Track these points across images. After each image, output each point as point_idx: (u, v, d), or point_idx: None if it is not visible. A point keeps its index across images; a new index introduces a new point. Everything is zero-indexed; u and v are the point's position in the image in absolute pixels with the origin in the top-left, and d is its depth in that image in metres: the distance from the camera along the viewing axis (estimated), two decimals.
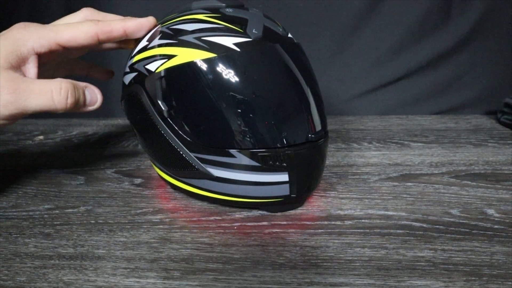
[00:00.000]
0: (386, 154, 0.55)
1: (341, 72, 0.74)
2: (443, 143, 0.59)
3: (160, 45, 0.38)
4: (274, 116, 0.36)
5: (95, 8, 0.43)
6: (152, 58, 0.38)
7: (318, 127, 0.38)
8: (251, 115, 0.36)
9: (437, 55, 0.73)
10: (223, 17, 0.37)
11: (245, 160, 0.36)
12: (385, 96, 0.76)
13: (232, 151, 0.36)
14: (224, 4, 0.39)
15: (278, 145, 0.36)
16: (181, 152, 0.39)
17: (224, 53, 0.35)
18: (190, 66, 0.36)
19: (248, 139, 0.36)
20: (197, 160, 0.38)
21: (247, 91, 0.36)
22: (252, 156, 0.36)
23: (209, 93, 0.36)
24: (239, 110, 0.35)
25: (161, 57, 0.37)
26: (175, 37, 0.37)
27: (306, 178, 0.38)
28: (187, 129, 0.37)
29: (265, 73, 0.37)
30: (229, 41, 0.36)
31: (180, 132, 0.38)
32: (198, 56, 0.36)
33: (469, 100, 0.75)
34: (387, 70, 0.74)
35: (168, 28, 0.39)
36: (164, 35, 0.38)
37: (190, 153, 0.38)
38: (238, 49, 0.35)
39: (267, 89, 0.36)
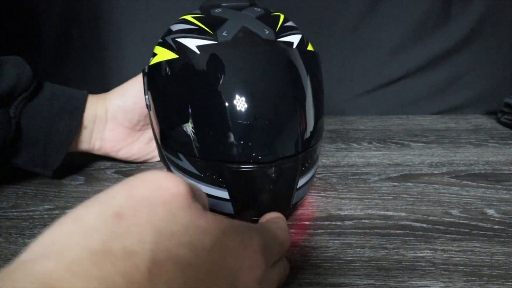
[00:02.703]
0: (386, 154, 0.55)
1: (341, 72, 0.74)
2: (443, 143, 0.59)
3: (157, 43, 0.39)
4: (217, 126, 0.33)
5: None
6: (152, 54, 0.40)
7: (272, 148, 0.33)
8: (195, 121, 0.34)
9: (437, 55, 0.73)
10: (205, 18, 0.37)
11: (188, 166, 0.36)
12: (385, 96, 0.75)
13: (180, 154, 0.36)
14: (247, 3, 0.40)
15: (217, 158, 0.33)
16: (160, 147, 0.41)
17: (183, 56, 0.35)
18: (157, 66, 0.37)
19: (191, 144, 0.35)
20: (166, 158, 0.40)
21: (195, 96, 0.34)
22: (193, 163, 0.35)
23: (165, 93, 0.37)
24: (184, 116, 0.34)
25: (152, 55, 0.39)
26: (163, 37, 0.39)
27: (252, 201, 0.35)
28: (157, 126, 0.39)
29: (217, 79, 0.33)
30: (193, 43, 0.35)
31: (154, 127, 0.41)
32: (167, 57, 0.36)
33: (469, 100, 0.75)
34: (387, 70, 0.74)
35: (168, 27, 0.39)
36: (163, 34, 0.39)
37: (162, 150, 0.40)
38: (198, 52, 0.34)
39: (216, 96, 0.33)
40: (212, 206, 0.35)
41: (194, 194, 0.21)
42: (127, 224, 0.17)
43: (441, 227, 0.37)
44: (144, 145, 0.51)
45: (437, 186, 0.46)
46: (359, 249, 0.34)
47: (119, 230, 0.17)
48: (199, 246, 0.18)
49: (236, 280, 0.19)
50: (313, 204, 0.42)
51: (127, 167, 0.52)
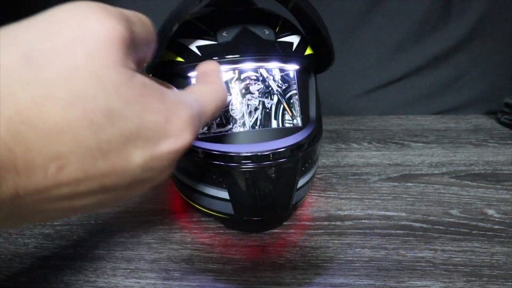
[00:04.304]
0: (386, 154, 0.55)
1: (341, 72, 0.74)
2: (443, 143, 0.59)
3: None
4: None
5: None
6: None
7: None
8: None
9: (437, 55, 0.73)
10: (205, 19, 0.37)
11: (188, 166, 0.36)
12: (385, 96, 0.75)
13: None
14: (248, 4, 0.39)
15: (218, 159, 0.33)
16: None
17: (187, 59, 0.34)
18: (156, 66, 0.35)
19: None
20: None
21: None
22: (193, 164, 0.35)
23: None
24: None
25: None
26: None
27: (252, 201, 0.34)
28: None
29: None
30: (193, 44, 0.35)
31: None
32: (167, 58, 0.36)
33: (469, 100, 0.75)
34: (387, 70, 0.74)
35: None
36: None
37: None
38: (199, 53, 0.34)
39: None
40: (212, 206, 0.35)
41: (132, 43, 0.17)
42: (37, 71, 0.14)
43: (441, 227, 0.37)
44: None
45: (437, 186, 0.46)
46: (359, 249, 0.34)
47: (27, 76, 0.14)
48: (116, 114, 0.16)
49: (152, 150, 0.17)
50: (313, 204, 0.42)
51: None
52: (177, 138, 0.18)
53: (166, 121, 0.18)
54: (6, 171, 0.14)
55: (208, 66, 0.27)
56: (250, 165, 0.33)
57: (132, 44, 0.17)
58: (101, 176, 0.16)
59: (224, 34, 0.35)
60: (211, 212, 0.37)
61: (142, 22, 0.19)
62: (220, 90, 0.24)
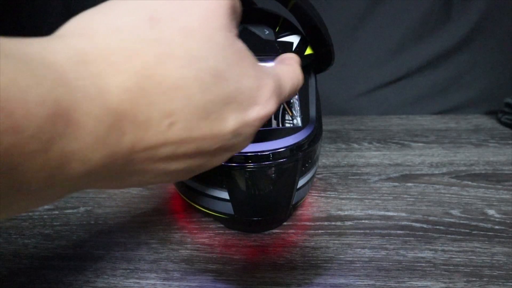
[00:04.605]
0: (386, 154, 0.55)
1: (341, 72, 0.74)
2: (443, 143, 0.59)
3: None
4: None
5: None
6: None
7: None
8: None
9: (437, 55, 0.73)
10: None
11: None
12: (385, 96, 0.75)
13: None
14: (247, 4, 0.39)
15: None
16: None
17: None
18: None
19: None
20: None
21: None
22: None
23: None
24: None
25: None
26: None
27: (252, 201, 0.34)
28: None
29: None
30: None
31: None
32: None
33: (469, 100, 0.75)
34: (387, 70, 0.74)
35: None
36: None
37: None
38: None
39: None
40: (212, 206, 0.35)
41: (234, 11, 0.20)
42: (160, 31, 0.16)
43: (441, 227, 0.37)
44: None
45: (437, 186, 0.46)
46: (359, 249, 0.34)
47: (152, 36, 0.16)
48: (222, 75, 0.17)
49: (244, 116, 0.18)
50: (313, 204, 0.42)
51: None
52: (264, 105, 0.19)
53: (257, 88, 0.19)
54: (130, 123, 0.14)
55: (287, 55, 0.28)
56: (250, 165, 0.33)
57: (234, 13, 0.19)
58: (200, 138, 0.17)
59: None
60: (211, 212, 0.37)
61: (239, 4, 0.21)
62: (297, 71, 0.25)
